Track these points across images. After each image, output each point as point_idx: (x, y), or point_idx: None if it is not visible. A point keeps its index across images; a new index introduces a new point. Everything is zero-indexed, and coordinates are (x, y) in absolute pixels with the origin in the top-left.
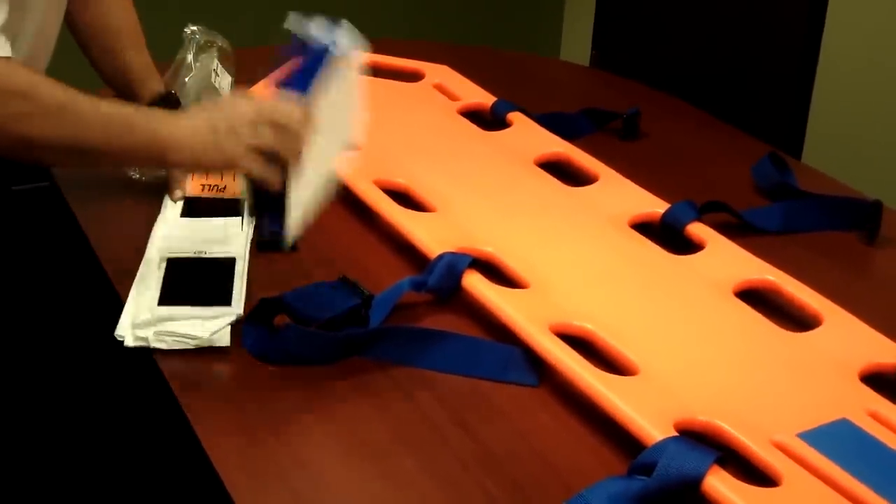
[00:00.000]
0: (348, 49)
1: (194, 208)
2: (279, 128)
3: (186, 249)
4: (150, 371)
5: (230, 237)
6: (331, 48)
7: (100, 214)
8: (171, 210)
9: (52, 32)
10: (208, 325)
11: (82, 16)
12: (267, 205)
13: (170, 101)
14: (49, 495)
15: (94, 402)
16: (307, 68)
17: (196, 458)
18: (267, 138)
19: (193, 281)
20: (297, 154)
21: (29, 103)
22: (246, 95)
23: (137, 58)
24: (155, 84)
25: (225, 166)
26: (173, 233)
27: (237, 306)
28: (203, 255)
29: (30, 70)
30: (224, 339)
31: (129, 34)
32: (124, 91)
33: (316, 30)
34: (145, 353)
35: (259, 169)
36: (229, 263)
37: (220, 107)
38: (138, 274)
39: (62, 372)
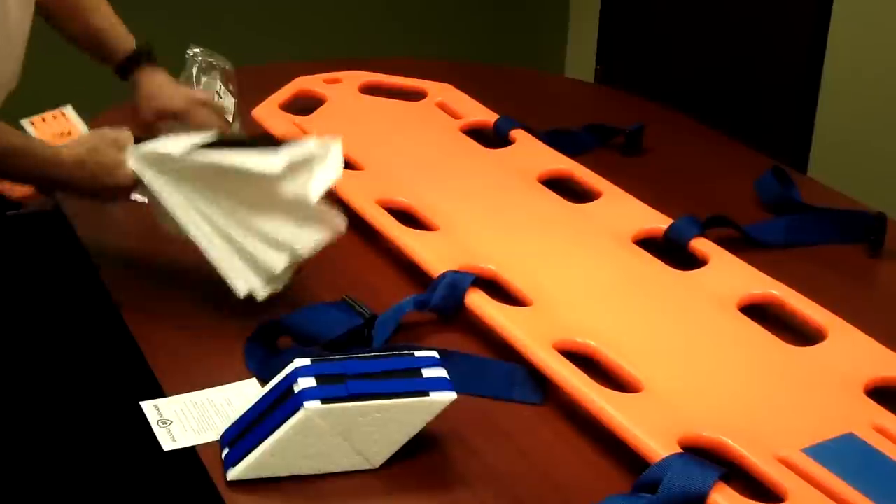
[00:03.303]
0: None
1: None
2: None
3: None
4: (147, 384)
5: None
6: None
7: (103, 236)
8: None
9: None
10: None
11: None
12: None
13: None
14: (46, 496)
15: (92, 423)
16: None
17: (190, 464)
18: None
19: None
20: None
21: None
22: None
23: (102, 20)
24: (124, 42)
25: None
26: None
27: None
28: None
29: None
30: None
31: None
32: (97, 53)
33: None
34: (143, 366)
35: None
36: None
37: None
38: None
39: (64, 389)
